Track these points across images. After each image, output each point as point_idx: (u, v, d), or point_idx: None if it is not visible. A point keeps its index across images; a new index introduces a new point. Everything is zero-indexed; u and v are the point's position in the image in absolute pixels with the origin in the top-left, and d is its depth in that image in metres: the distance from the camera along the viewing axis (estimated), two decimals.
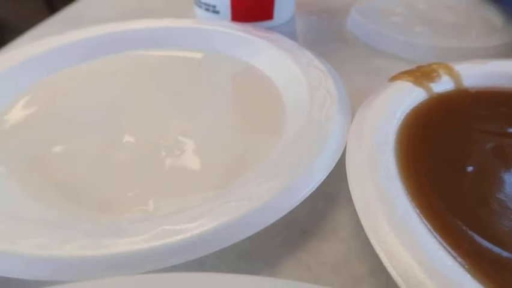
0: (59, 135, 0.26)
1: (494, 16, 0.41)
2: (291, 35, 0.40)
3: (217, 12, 0.40)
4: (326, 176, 0.21)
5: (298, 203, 0.20)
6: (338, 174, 0.22)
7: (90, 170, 0.23)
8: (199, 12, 0.41)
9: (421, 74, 0.28)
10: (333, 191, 0.23)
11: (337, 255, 0.20)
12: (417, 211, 0.19)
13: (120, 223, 0.18)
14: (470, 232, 0.18)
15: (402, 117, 0.25)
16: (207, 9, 0.40)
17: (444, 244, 0.17)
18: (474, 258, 0.17)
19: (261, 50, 0.32)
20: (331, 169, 0.22)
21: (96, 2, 0.48)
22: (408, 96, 0.26)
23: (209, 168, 0.23)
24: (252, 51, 0.33)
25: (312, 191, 0.20)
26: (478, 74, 0.29)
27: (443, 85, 0.28)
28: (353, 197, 0.20)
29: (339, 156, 0.22)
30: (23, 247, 0.16)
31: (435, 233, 0.18)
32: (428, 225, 0.18)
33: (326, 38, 0.40)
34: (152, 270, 0.17)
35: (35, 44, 0.32)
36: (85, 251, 0.16)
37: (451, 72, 0.28)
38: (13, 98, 0.28)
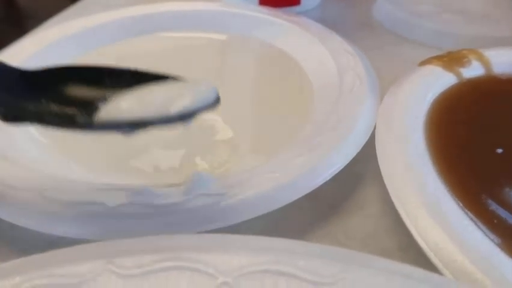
0: None
1: None
2: (318, 21, 0.41)
3: None
4: (354, 155, 0.22)
5: (327, 179, 0.20)
6: (367, 154, 0.22)
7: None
8: None
9: (451, 59, 0.28)
10: (361, 171, 0.23)
11: (365, 230, 0.20)
12: (448, 188, 0.19)
13: (164, 189, 0.19)
14: (500, 208, 0.18)
15: (432, 101, 0.25)
16: None
17: (475, 219, 0.18)
18: (504, 234, 0.17)
19: (288, 33, 0.33)
20: (360, 148, 0.22)
21: None
22: (438, 80, 0.26)
23: (244, 140, 0.24)
24: (279, 33, 0.33)
25: (340, 169, 0.21)
26: (508, 61, 0.28)
27: (473, 71, 0.28)
28: (383, 174, 0.20)
29: (368, 136, 0.23)
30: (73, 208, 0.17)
31: (465, 209, 0.18)
32: (459, 202, 0.18)
33: (353, 24, 0.40)
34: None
35: (67, 24, 0.33)
36: (133, 211, 0.17)
37: (481, 58, 0.28)
38: None
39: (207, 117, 0.26)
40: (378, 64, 0.31)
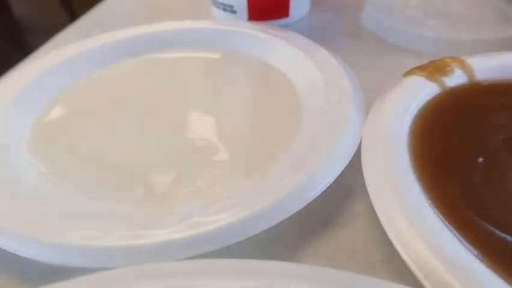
0: (93, 136, 0.27)
1: (507, 7, 0.41)
2: (307, 32, 0.41)
3: (234, 12, 0.41)
4: (343, 169, 0.22)
5: (316, 195, 0.21)
6: (355, 166, 0.23)
7: (126, 164, 0.25)
8: (217, 12, 0.43)
9: (434, 69, 0.29)
10: (350, 182, 0.24)
11: (354, 243, 0.21)
12: (430, 201, 0.20)
13: (156, 215, 0.20)
14: (481, 221, 0.19)
15: (416, 112, 0.26)
16: (224, 9, 0.41)
17: (456, 232, 0.18)
18: (485, 246, 0.18)
19: (277, 49, 0.34)
20: (347, 162, 0.23)
21: (117, 4, 0.49)
22: (421, 91, 0.27)
23: (233, 160, 0.25)
24: (269, 50, 0.34)
25: (329, 184, 0.22)
26: (491, 67, 0.29)
27: (456, 79, 0.28)
28: (368, 188, 0.21)
29: (355, 149, 0.24)
30: (72, 239, 0.18)
31: (447, 222, 0.19)
32: (440, 215, 0.19)
33: (341, 33, 0.41)
34: (183, 258, 0.18)
35: (57, 52, 0.34)
36: (125, 241, 0.18)
37: (464, 66, 0.29)
38: (44, 104, 0.30)
39: (198, 137, 0.27)
40: (366, 72, 0.32)
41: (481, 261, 0.17)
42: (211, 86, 0.32)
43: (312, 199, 0.21)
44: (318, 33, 0.41)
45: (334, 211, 0.23)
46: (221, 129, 0.28)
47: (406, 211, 0.19)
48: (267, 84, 0.32)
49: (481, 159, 0.23)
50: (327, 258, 0.21)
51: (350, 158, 0.23)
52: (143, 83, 0.33)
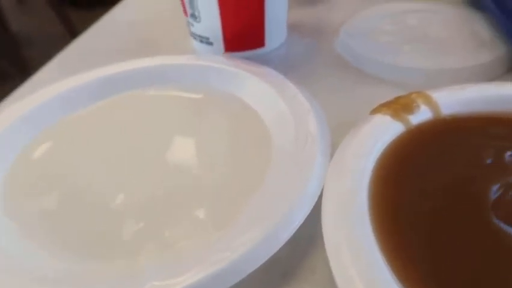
0: (64, 189, 0.28)
1: (482, 29, 0.41)
2: (283, 61, 0.42)
3: (210, 43, 0.41)
4: (303, 221, 0.23)
5: (277, 249, 0.22)
6: (316, 214, 0.23)
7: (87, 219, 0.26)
8: (195, 43, 0.43)
9: (400, 106, 0.29)
10: (311, 232, 0.24)
11: None
12: (384, 254, 0.20)
13: (112, 277, 0.21)
14: (433, 280, 0.19)
15: (379, 154, 0.26)
16: (201, 41, 0.42)
17: None
18: None
19: (248, 85, 0.34)
20: (308, 213, 0.23)
21: (99, 37, 0.50)
22: (386, 132, 0.27)
23: (205, 211, 0.26)
24: (241, 85, 0.35)
25: (290, 236, 0.22)
26: (456, 100, 0.30)
27: (421, 115, 0.29)
28: (325, 242, 0.21)
29: (317, 197, 0.24)
30: None
31: (398, 279, 0.19)
32: (392, 271, 0.20)
33: (317, 62, 0.41)
34: None
35: (30, 97, 0.34)
36: None
37: (429, 101, 0.29)
38: (18, 151, 0.31)
39: (171, 184, 0.27)
40: (338, 105, 0.33)
41: None
42: (180, 126, 0.33)
43: (272, 254, 0.21)
44: (293, 63, 0.42)
45: (297, 262, 0.23)
46: (195, 174, 0.28)
47: (360, 267, 0.20)
48: (238, 122, 0.32)
49: (438, 205, 0.23)
50: None
51: (311, 208, 0.24)
52: (115, 125, 0.33)
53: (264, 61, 0.40)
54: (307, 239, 0.24)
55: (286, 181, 0.25)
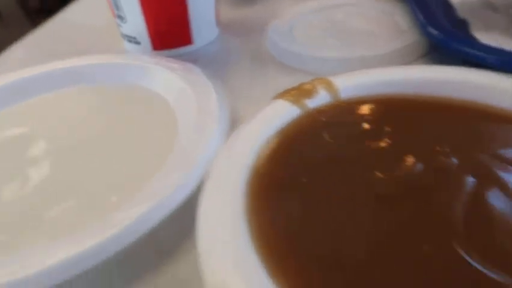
0: None
1: (402, 19, 0.42)
2: (213, 57, 0.43)
3: (138, 43, 0.42)
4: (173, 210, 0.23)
5: (152, 226, 0.22)
6: None
7: None
8: (125, 44, 0.44)
9: (300, 92, 0.30)
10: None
11: None
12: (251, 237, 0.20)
13: None
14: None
15: (269, 136, 0.27)
16: (130, 41, 0.43)
17: None
18: None
19: (162, 79, 0.35)
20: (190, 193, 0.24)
21: (43, 39, 0.51)
22: (281, 116, 0.28)
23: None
24: (154, 79, 0.36)
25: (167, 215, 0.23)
26: (353, 84, 0.30)
27: (320, 100, 0.29)
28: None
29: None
30: None
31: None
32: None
33: (245, 58, 0.42)
34: None
35: None
36: None
37: (330, 87, 0.30)
38: None
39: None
40: (257, 97, 0.34)
41: None
42: (94, 118, 0.34)
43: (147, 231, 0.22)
44: (222, 59, 0.42)
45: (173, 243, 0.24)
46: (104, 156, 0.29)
47: (224, 240, 0.20)
48: (150, 114, 0.33)
49: (312, 181, 0.23)
50: None
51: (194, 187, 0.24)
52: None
53: (193, 58, 0.41)
54: (191, 219, 0.25)
55: (180, 162, 0.26)
